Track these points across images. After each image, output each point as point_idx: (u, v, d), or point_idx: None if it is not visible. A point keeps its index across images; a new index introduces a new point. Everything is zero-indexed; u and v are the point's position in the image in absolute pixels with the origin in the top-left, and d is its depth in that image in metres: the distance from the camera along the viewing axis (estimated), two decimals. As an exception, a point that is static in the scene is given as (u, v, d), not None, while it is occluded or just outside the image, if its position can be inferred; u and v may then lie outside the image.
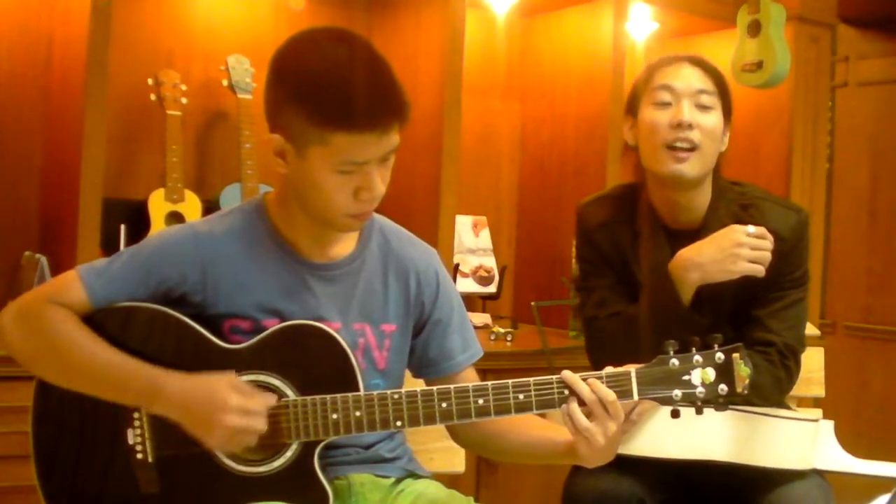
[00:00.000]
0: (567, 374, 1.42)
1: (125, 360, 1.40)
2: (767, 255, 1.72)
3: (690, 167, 1.76)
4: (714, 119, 1.79)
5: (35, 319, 1.43)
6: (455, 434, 1.65)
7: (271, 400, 1.39)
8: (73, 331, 1.42)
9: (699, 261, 1.72)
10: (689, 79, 1.80)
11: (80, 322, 1.43)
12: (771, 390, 1.76)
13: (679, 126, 1.76)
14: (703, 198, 1.82)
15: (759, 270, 1.70)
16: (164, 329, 1.45)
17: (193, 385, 1.38)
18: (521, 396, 1.42)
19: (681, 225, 1.82)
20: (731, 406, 1.67)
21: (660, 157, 1.78)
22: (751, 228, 1.71)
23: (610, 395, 1.40)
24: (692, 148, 1.76)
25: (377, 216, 1.58)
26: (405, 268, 1.59)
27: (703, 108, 1.79)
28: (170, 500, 1.44)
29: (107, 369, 1.40)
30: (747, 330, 1.78)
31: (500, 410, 1.42)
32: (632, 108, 1.87)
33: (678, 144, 1.76)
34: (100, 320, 1.45)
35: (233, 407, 1.35)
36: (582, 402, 1.41)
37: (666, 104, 1.79)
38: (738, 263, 1.69)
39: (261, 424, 1.37)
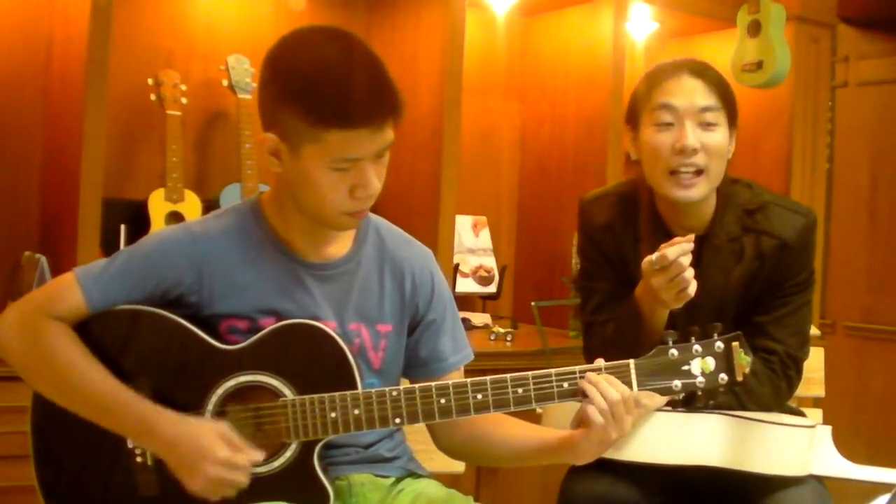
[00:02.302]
0: (591, 377, 1.42)
1: (119, 391, 1.40)
2: None
3: (697, 192, 1.72)
4: (720, 136, 1.72)
5: (34, 335, 1.42)
6: (439, 440, 1.64)
7: (258, 457, 1.39)
8: (71, 353, 1.41)
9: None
10: (692, 95, 1.71)
11: (79, 342, 1.43)
12: (770, 399, 1.75)
13: (683, 152, 1.69)
14: (707, 205, 1.78)
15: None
16: (161, 331, 1.45)
17: (183, 429, 1.38)
18: (519, 391, 1.42)
19: (685, 231, 1.76)
20: (726, 412, 1.67)
21: (664, 183, 1.73)
22: None
23: (626, 390, 1.41)
24: (699, 172, 1.71)
25: (373, 216, 1.58)
26: (401, 268, 1.58)
27: (708, 125, 1.71)
28: (169, 502, 1.43)
29: (100, 397, 1.40)
30: (749, 336, 1.76)
31: (499, 405, 1.42)
32: (632, 119, 1.80)
33: (683, 170, 1.70)
34: (97, 324, 1.45)
35: (218, 459, 1.36)
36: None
37: (667, 125, 1.71)
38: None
39: (242, 479, 1.38)
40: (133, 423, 1.40)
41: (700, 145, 1.70)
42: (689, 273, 1.59)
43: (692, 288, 1.60)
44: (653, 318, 1.69)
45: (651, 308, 1.68)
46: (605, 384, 1.41)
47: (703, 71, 1.75)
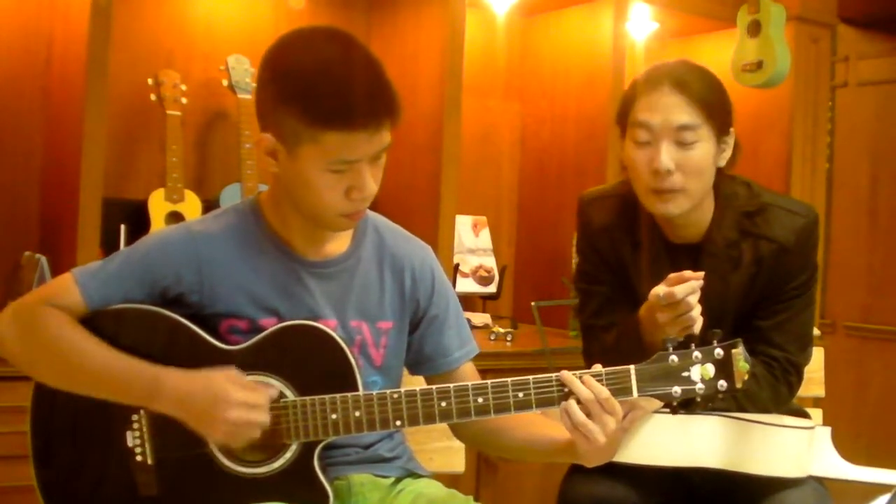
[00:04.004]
0: (565, 374, 1.42)
1: (124, 360, 1.40)
2: None
3: (676, 206, 1.70)
4: (699, 153, 1.67)
5: (31, 323, 1.42)
6: (455, 430, 1.66)
7: (273, 392, 1.40)
8: (70, 332, 1.41)
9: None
10: (669, 113, 1.66)
11: (77, 323, 1.43)
12: (770, 404, 1.74)
13: (657, 173, 1.66)
14: (704, 212, 1.76)
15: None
16: (160, 331, 1.45)
17: (194, 380, 1.38)
18: (520, 395, 1.42)
19: (682, 239, 1.78)
20: (725, 413, 1.67)
21: (646, 198, 1.72)
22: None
23: (603, 392, 1.40)
24: (675, 191, 1.68)
25: (371, 213, 1.58)
26: (400, 264, 1.59)
27: (685, 144, 1.67)
28: (169, 502, 1.44)
29: (106, 370, 1.40)
30: (750, 342, 1.74)
31: (500, 409, 1.42)
32: (621, 123, 1.77)
33: (660, 189, 1.68)
34: (96, 322, 1.44)
35: (235, 400, 1.35)
36: (579, 401, 1.41)
37: (645, 143, 1.68)
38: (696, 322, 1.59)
39: (263, 417, 1.37)
40: (142, 387, 1.39)
41: (675, 166, 1.67)
42: (696, 311, 1.57)
43: (697, 326, 1.58)
44: (653, 339, 1.66)
45: (652, 331, 1.65)
46: (577, 383, 1.41)
47: (685, 84, 1.68)
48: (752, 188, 1.81)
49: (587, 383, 1.41)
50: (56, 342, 1.41)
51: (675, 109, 1.67)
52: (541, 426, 1.55)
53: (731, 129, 1.76)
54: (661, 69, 1.73)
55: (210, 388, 1.36)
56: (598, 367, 1.44)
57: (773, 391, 1.75)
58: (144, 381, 1.39)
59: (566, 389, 1.42)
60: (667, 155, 1.67)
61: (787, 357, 1.76)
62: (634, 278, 1.77)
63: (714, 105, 1.70)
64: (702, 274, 1.56)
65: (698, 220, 1.77)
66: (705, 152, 1.69)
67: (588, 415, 1.40)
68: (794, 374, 1.78)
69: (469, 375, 1.62)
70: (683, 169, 1.67)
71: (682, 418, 1.66)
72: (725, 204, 1.77)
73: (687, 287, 1.54)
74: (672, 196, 1.69)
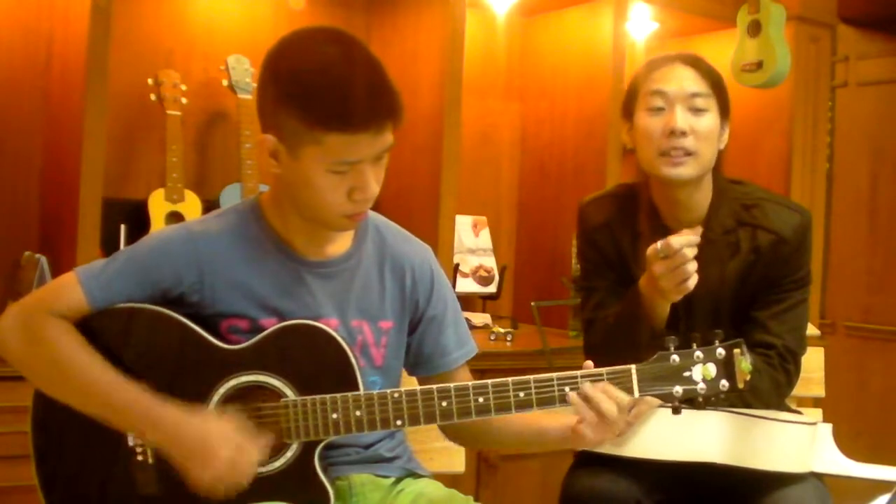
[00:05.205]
0: (587, 391, 1.42)
1: (121, 386, 1.40)
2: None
3: (687, 170, 1.76)
4: (709, 121, 1.77)
5: (35, 333, 1.42)
6: (447, 430, 1.65)
7: (263, 457, 1.39)
8: (72, 349, 1.41)
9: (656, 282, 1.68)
10: (682, 81, 1.77)
11: (81, 338, 1.42)
12: (770, 393, 1.76)
13: (672, 134, 1.75)
14: (703, 196, 1.82)
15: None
16: (162, 330, 1.45)
17: (190, 423, 1.37)
18: (521, 394, 1.43)
19: (682, 224, 1.81)
20: (729, 409, 1.68)
21: (656, 164, 1.77)
22: None
23: (623, 400, 1.42)
24: (688, 154, 1.75)
25: (372, 213, 1.58)
26: (401, 264, 1.59)
27: (698, 111, 1.76)
28: (170, 501, 1.43)
29: (103, 394, 1.40)
30: (747, 331, 1.77)
31: (501, 408, 1.43)
32: (627, 110, 1.85)
33: (673, 152, 1.75)
34: (98, 322, 1.44)
35: (222, 458, 1.35)
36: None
37: (659, 109, 1.78)
38: (690, 281, 1.64)
39: (243, 481, 1.37)
40: (137, 418, 1.39)
41: (689, 128, 1.75)
42: (692, 266, 1.62)
43: (692, 281, 1.64)
44: (653, 311, 1.71)
45: (652, 298, 1.70)
46: (601, 398, 1.41)
47: (695, 61, 1.81)
48: (748, 186, 1.88)
49: (610, 396, 1.42)
50: (58, 357, 1.41)
51: (687, 79, 1.79)
52: (535, 417, 1.55)
53: (729, 119, 1.83)
54: (668, 53, 1.84)
55: (203, 436, 1.36)
56: (589, 363, 1.45)
57: (772, 380, 1.77)
58: (140, 413, 1.38)
59: (567, 390, 1.43)
60: (682, 117, 1.75)
61: (785, 345, 1.79)
62: (635, 271, 1.79)
63: (720, 84, 1.81)
64: (699, 229, 1.64)
65: (698, 203, 1.81)
66: (714, 123, 1.79)
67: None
68: (791, 362, 1.80)
69: (464, 378, 1.62)
70: (696, 132, 1.76)
71: (685, 413, 1.66)
72: (722, 193, 1.83)
73: (683, 239, 1.62)
74: (683, 160, 1.76)
